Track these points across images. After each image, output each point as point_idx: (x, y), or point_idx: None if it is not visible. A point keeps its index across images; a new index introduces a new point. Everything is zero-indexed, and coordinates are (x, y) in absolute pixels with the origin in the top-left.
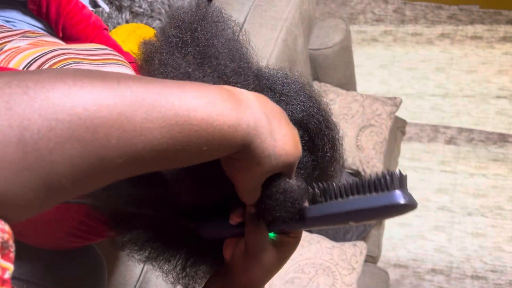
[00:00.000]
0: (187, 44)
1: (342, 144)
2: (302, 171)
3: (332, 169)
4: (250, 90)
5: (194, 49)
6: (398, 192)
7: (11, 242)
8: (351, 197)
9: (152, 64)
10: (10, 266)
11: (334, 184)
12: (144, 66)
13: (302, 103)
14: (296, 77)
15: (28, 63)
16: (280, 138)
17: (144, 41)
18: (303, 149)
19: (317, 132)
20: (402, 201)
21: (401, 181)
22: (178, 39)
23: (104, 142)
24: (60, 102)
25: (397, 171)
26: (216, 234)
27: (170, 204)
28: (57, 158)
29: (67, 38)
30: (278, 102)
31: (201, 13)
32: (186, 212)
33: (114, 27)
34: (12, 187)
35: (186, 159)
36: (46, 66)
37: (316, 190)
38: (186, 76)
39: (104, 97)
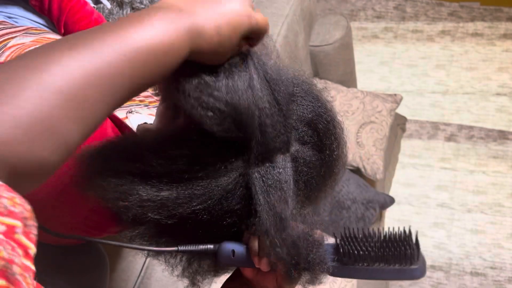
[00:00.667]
0: None
1: (346, 142)
2: (311, 171)
3: (338, 166)
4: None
5: None
6: (419, 269)
7: (31, 222)
8: (376, 265)
9: None
10: (32, 246)
11: (362, 250)
12: None
13: (311, 104)
14: (304, 77)
15: None
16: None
17: None
18: (312, 149)
19: (325, 132)
20: (421, 276)
21: (419, 252)
22: None
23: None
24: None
25: (413, 237)
26: (233, 261)
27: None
28: None
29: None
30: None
31: None
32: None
33: None
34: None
35: (151, 79)
36: None
37: (341, 251)
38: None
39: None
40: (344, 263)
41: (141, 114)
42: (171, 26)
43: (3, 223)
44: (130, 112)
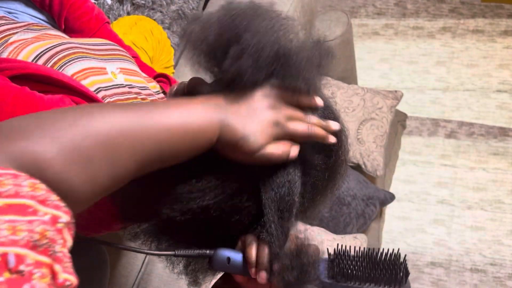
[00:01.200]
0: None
1: (349, 150)
2: (318, 173)
3: (341, 171)
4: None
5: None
6: None
7: (73, 220)
8: (366, 285)
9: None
10: (69, 239)
11: (355, 270)
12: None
13: (321, 109)
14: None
15: (37, 55)
16: (249, 124)
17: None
18: (319, 153)
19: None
20: None
21: (407, 275)
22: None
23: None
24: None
25: (402, 259)
26: (227, 268)
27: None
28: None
29: (70, 30)
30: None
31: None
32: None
33: (115, 19)
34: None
35: (183, 151)
36: (54, 60)
37: (335, 269)
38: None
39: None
40: (337, 280)
41: None
42: (206, 114)
43: (48, 213)
44: None
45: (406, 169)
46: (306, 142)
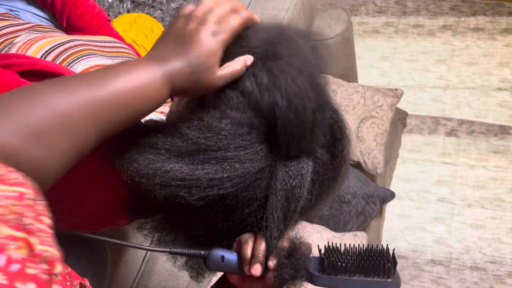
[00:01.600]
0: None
1: (351, 151)
2: (326, 172)
3: (344, 170)
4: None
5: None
6: (394, 282)
7: (41, 196)
8: (356, 276)
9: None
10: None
11: (344, 262)
12: None
13: (331, 111)
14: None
15: (46, 52)
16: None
17: None
18: (327, 152)
19: (339, 138)
20: None
21: (395, 267)
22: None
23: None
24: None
25: (391, 253)
26: (221, 267)
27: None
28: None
29: (71, 28)
30: None
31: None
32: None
33: (115, 16)
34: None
35: (139, 111)
36: (63, 57)
37: (325, 262)
38: None
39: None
40: (328, 273)
41: None
42: (147, 71)
43: (11, 190)
44: None
45: (407, 167)
46: (317, 142)
